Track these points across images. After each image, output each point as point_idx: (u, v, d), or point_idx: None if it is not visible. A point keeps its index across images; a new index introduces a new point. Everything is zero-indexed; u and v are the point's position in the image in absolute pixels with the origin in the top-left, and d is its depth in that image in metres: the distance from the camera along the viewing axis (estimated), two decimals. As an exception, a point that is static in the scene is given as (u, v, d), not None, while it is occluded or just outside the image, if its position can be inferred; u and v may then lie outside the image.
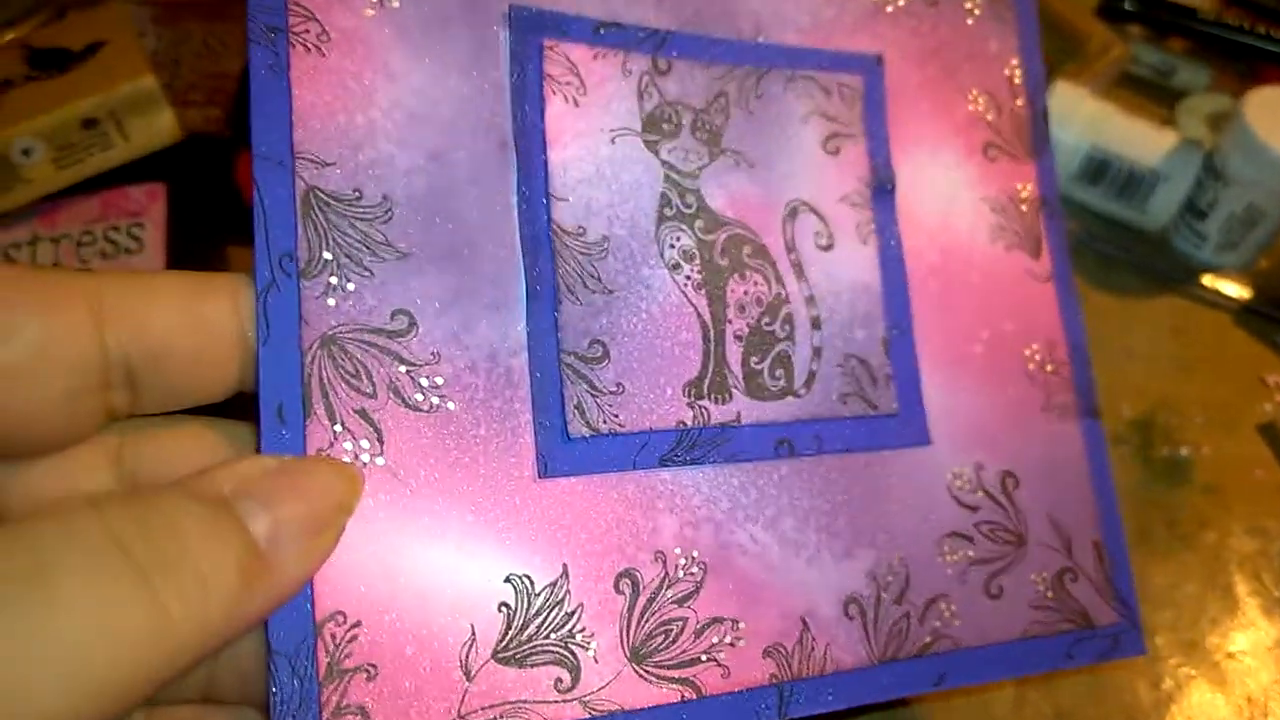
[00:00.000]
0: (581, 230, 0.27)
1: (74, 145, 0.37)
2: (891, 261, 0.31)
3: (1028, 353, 0.33)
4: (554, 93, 0.27)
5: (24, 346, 0.19)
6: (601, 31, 0.28)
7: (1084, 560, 0.31)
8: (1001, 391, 0.32)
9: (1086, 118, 0.49)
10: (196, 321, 0.22)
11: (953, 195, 0.33)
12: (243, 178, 0.34)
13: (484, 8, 0.26)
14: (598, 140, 0.27)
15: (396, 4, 0.25)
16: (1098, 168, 0.50)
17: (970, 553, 0.30)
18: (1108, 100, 0.51)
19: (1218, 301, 0.50)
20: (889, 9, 0.32)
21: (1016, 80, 0.34)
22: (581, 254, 0.27)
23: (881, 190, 0.31)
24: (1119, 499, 0.33)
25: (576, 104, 0.27)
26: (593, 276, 0.27)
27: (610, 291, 0.27)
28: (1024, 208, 0.34)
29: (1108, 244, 0.51)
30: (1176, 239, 0.51)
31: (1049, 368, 0.33)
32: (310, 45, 0.24)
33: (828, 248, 0.30)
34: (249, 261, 0.23)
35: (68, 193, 0.37)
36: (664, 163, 0.28)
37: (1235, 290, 0.50)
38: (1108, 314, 0.49)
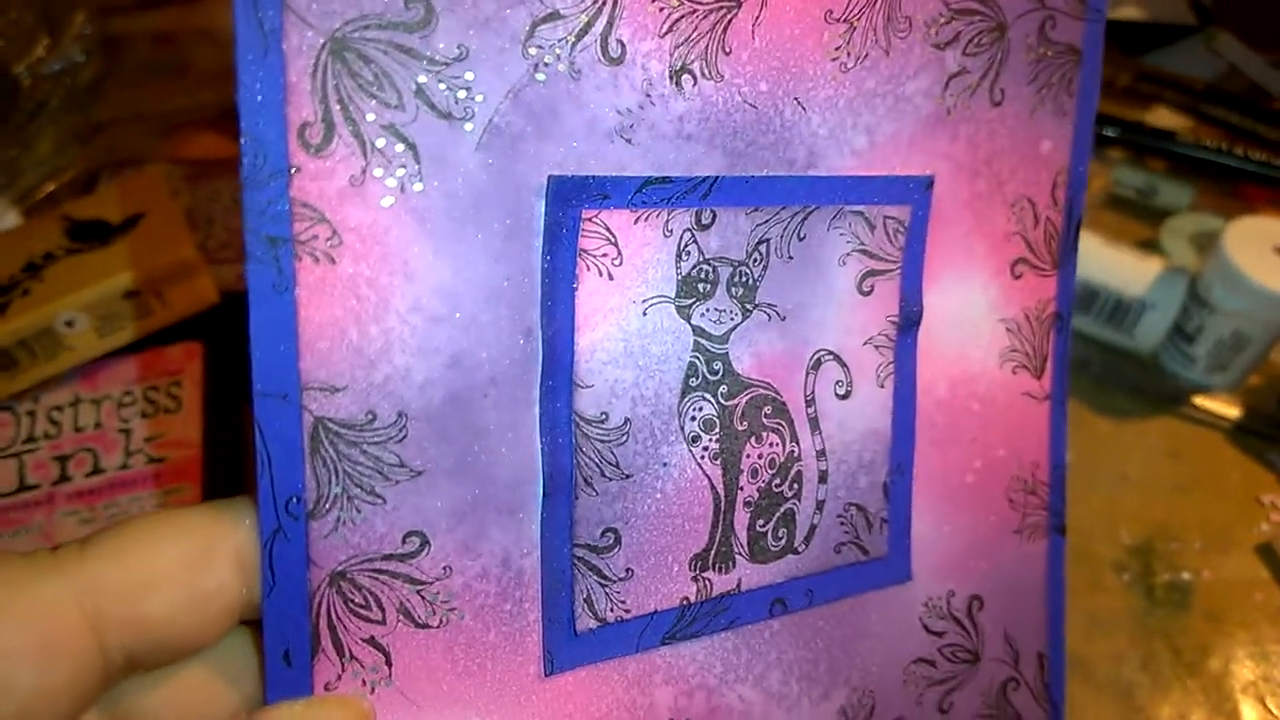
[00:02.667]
0: (604, 417, 0.25)
1: (115, 315, 0.37)
2: (905, 403, 0.30)
3: (1013, 477, 0.33)
4: (588, 269, 0.24)
5: (25, 694, 0.18)
6: (646, 190, 0.24)
7: (1028, 671, 0.34)
8: (984, 519, 0.33)
9: (1072, 251, 0.48)
10: (198, 599, 0.20)
11: (974, 321, 0.31)
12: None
13: (521, 179, 0.22)
14: (629, 314, 0.25)
15: (419, 187, 0.21)
16: (1086, 297, 0.50)
17: (931, 674, 0.32)
18: (1092, 228, 0.49)
19: (1210, 421, 0.51)
20: (951, 116, 0.29)
21: (1059, 184, 0.32)
22: (601, 442, 0.25)
23: (907, 326, 0.30)
24: (1122, 627, 0.34)
25: (611, 277, 0.24)
26: (611, 464, 0.25)
27: (627, 476, 0.26)
28: (1036, 324, 0.33)
29: (1100, 367, 0.50)
30: (1166, 361, 0.51)
31: (1029, 489, 0.33)
32: (319, 254, 0.20)
33: (845, 396, 0.29)
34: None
35: (108, 354, 0.38)
36: (695, 328, 0.26)
37: (1227, 409, 0.51)
38: (1104, 438, 0.49)
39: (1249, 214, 0.49)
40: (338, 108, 0.20)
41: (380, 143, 0.21)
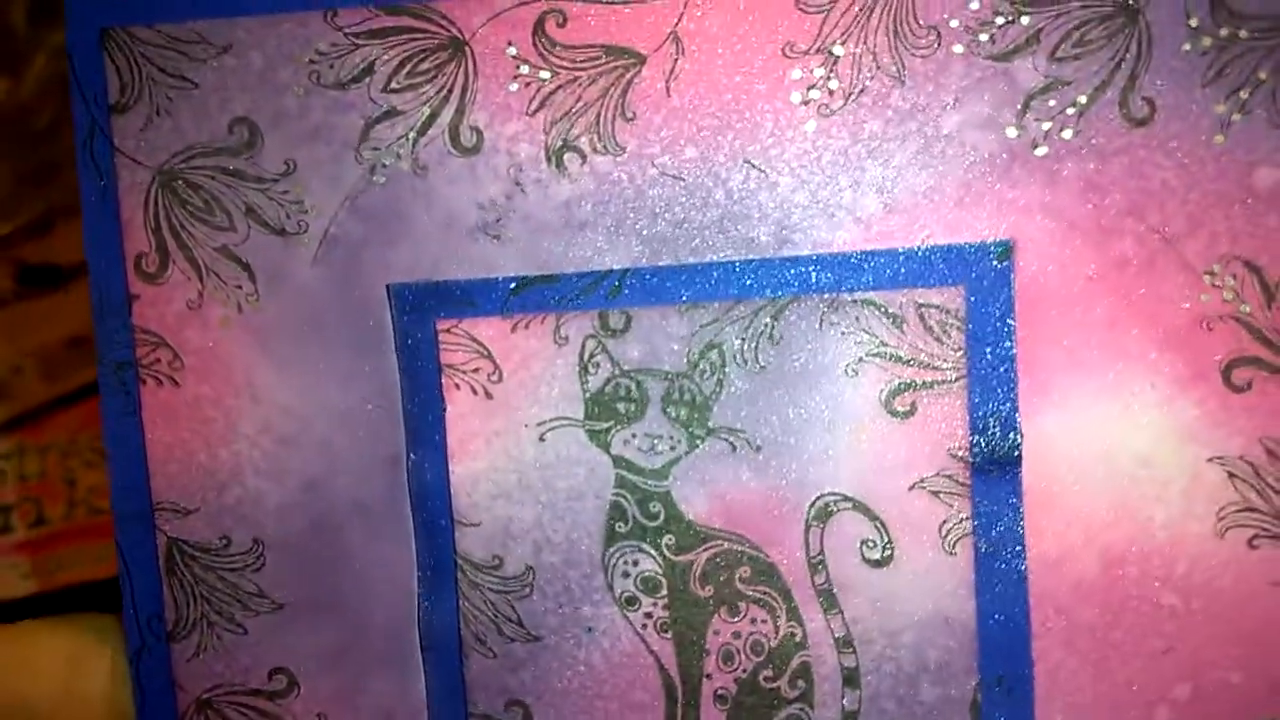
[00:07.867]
0: (497, 562, 0.21)
1: (61, 362, 0.36)
2: (1001, 579, 0.20)
3: (1274, 723, 0.20)
4: (456, 386, 0.21)
5: None
6: (523, 292, 0.20)
7: None
8: (1202, 790, 0.20)
9: None
10: (76, 700, 0.21)
11: (1147, 460, 0.20)
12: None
13: (366, 290, 0.21)
14: (520, 440, 0.21)
15: (256, 306, 0.21)
16: None
17: None
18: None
19: None
20: (1039, 151, 0.20)
21: (1320, 234, 0.19)
22: (495, 593, 0.21)
23: (992, 465, 0.20)
24: None
25: (489, 395, 0.21)
26: (511, 621, 0.21)
27: (535, 638, 0.21)
28: (1305, 469, 0.20)
29: None
30: None
31: (1318, 753, 0.19)
32: (162, 377, 0.21)
33: (881, 563, 0.20)
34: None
35: (53, 402, 0.37)
36: (616, 459, 0.21)
37: None
38: None
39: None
40: (170, 236, 0.21)
41: (215, 265, 0.21)
